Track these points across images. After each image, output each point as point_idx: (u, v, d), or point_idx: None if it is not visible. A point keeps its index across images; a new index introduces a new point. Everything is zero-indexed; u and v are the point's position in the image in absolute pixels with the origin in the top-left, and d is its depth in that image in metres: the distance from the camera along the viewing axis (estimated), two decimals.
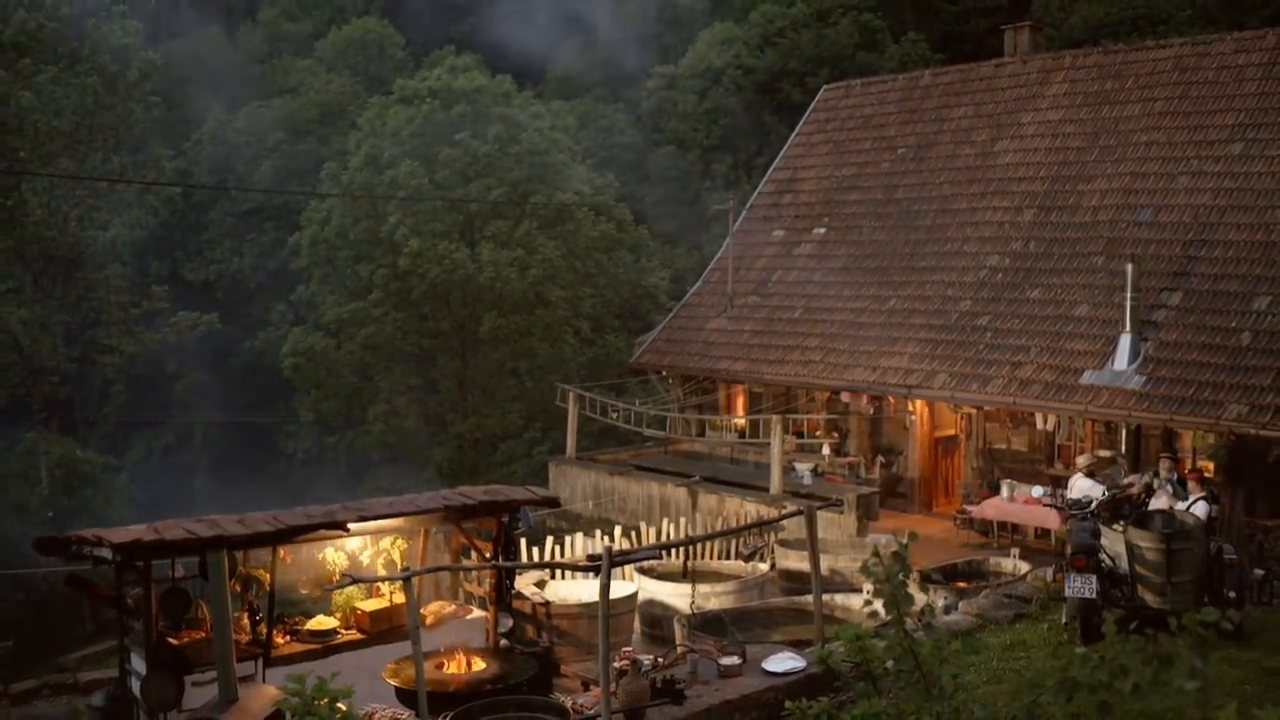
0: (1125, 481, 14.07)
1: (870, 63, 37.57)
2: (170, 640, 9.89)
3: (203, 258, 39.83)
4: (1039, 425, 19.12)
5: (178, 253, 39.89)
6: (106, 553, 9.38)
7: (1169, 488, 13.58)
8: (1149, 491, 13.42)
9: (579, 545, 15.33)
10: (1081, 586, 10.74)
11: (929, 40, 40.18)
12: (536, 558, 14.74)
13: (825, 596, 11.50)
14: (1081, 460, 15.10)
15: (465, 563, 11.75)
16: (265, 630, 10.33)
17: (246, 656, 10.03)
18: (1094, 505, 12.63)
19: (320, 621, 11.00)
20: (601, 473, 22.41)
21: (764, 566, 15.30)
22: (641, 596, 14.01)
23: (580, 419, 23.73)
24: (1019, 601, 12.52)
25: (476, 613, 11.71)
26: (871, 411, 21.78)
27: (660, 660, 10.30)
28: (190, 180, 38.66)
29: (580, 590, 13.55)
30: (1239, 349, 16.67)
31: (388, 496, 15.64)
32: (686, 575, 14.05)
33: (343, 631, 11.04)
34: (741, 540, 15.62)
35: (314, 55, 46.35)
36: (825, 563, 13.27)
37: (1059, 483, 17.53)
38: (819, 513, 11.59)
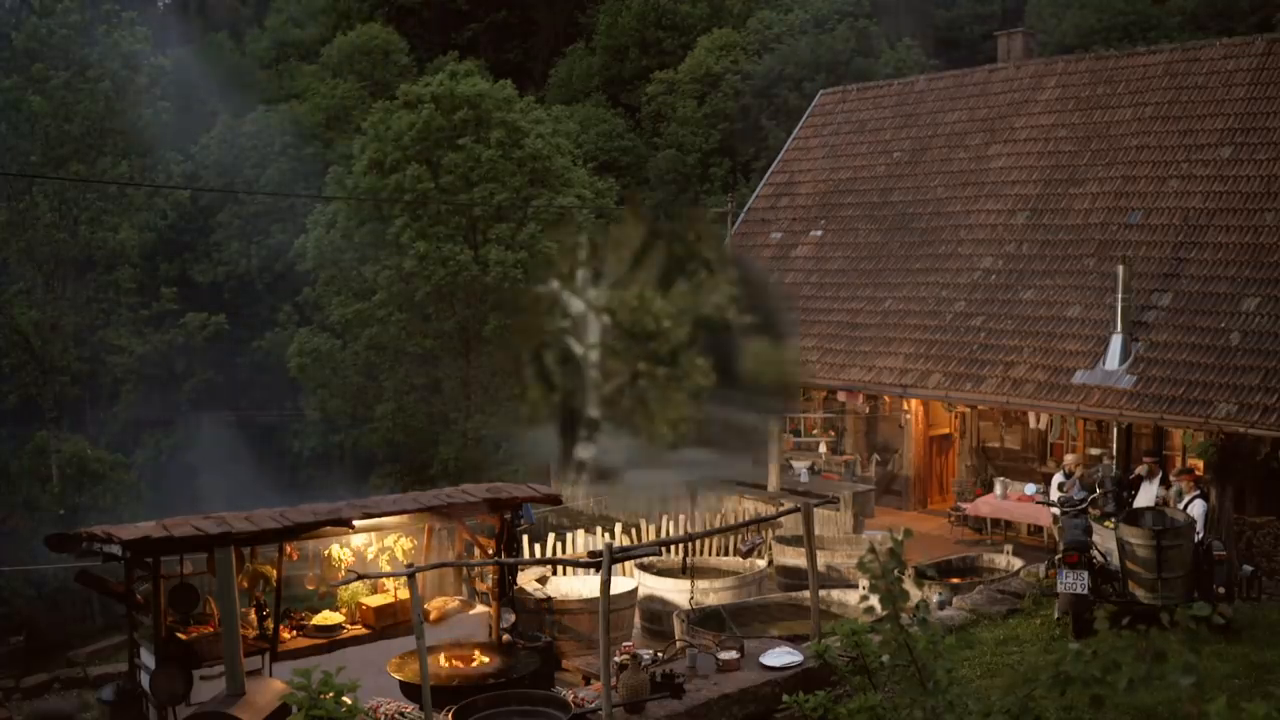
0: (1085, 479, 14.26)
1: (866, 68, 37.66)
2: (179, 635, 9.99)
3: (211, 260, 40.09)
4: (1031, 424, 19.24)
5: (186, 255, 40.14)
6: (116, 549, 9.52)
7: (1158, 487, 13.84)
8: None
9: (580, 542, 15.49)
10: (1074, 582, 10.93)
11: (924, 46, 40.26)
12: (539, 554, 14.94)
13: (822, 592, 11.66)
14: (1069, 459, 15.40)
15: (469, 559, 11.81)
16: (272, 625, 10.46)
17: (253, 651, 10.14)
18: (1085, 502, 12.87)
19: (326, 617, 11.14)
20: None
21: (761, 563, 15.43)
22: (641, 592, 14.15)
23: None
24: (1012, 597, 12.67)
25: (480, 608, 11.82)
26: (867, 410, 21.90)
27: (660, 654, 10.44)
28: (199, 183, 38.85)
29: (581, 586, 13.71)
30: (1228, 349, 16.71)
31: (393, 494, 15.92)
32: (686, 571, 14.19)
33: (348, 627, 11.16)
34: (740, 537, 15.77)
35: (320, 61, 46.65)
36: (822, 559, 13.44)
37: (1051, 480, 17.75)
38: (816, 510, 11.71)
